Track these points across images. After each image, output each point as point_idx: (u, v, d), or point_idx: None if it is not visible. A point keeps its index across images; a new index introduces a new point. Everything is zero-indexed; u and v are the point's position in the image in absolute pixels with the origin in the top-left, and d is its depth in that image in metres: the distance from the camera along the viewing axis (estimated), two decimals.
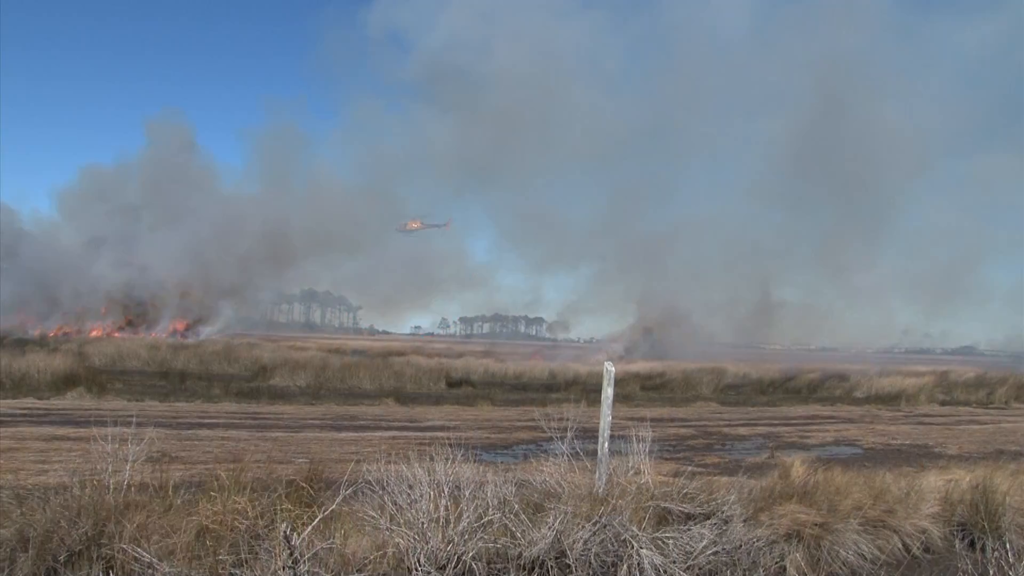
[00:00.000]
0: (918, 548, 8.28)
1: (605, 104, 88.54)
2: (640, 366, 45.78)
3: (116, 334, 61.79)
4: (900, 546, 8.15)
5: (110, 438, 6.70)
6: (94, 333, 61.65)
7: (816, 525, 7.55)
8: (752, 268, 70.16)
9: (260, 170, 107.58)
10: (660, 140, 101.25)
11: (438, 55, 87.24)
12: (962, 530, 8.87)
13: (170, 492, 6.61)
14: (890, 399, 34.91)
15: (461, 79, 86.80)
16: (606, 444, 8.08)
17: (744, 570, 7.01)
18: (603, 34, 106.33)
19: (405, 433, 16.66)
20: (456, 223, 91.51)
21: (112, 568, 5.76)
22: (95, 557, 5.81)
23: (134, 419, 7.48)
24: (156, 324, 67.41)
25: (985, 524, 8.73)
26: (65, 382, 24.31)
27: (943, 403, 34.77)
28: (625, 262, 73.75)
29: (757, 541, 7.22)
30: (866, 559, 7.74)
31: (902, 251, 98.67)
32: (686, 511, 7.21)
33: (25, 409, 18.16)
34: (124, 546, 5.76)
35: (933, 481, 9.55)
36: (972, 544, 8.70)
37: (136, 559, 5.68)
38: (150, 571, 5.63)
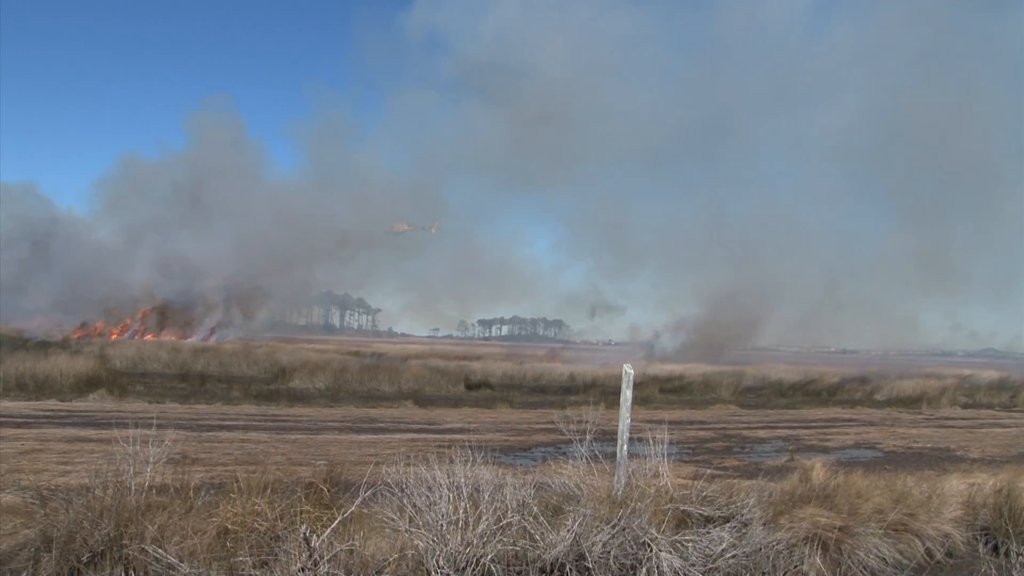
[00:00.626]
0: (940, 553, 8.19)
1: (660, 99, 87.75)
2: (659, 368, 45.60)
3: (149, 336, 61.24)
4: (922, 550, 8.06)
5: (131, 440, 6.75)
6: (134, 336, 60.90)
7: (836, 529, 7.48)
8: (816, 266, 69.21)
9: (308, 166, 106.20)
10: (714, 138, 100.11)
11: (485, 53, 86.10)
12: (985, 534, 8.76)
13: (191, 494, 6.67)
14: (911, 402, 34.59)
15: (507, 77, 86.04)
16: (625, 447, 8.07)
17: (764, 573, 6.96)
18: (655, 28, 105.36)
19: (424, 435, 16.71)
20: (501, 223, 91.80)
21: (133, 569, 5.81)
22: (117, 558, 5.87)
23: (155, 421, 7.53)
24: (200, 325, 66.47)
25: (1009, 528, 8.62)
26: (87, 384, 24.57)
27: (965, 406, 34.41)
28: (681, 259, 73.15)
29: (777, 544, 7.17)
30: (887, 563, 7.66)
31: (969, 248, 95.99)
32: (705, 514, 7.17)
33: (48, 411, 18.39)
34: (145, 547, 5.81)
35: (955, 485, 9.44)
36: (996, 549, 8.59)
37: (157, 560, 5.73)
38: (171, 572, 5.68)
